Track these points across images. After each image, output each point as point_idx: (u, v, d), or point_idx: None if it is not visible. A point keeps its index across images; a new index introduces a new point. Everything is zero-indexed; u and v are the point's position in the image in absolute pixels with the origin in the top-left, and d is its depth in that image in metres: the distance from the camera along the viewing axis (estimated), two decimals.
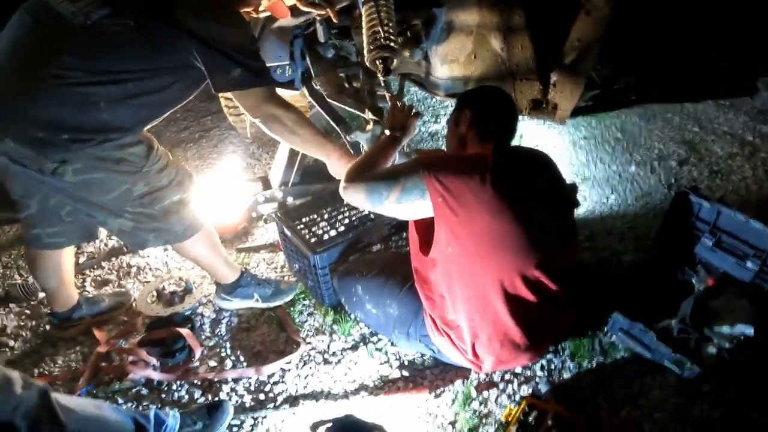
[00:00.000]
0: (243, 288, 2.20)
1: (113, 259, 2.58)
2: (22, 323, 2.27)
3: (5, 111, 1.56)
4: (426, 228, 1.67)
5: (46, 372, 2.04)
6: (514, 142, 1.87)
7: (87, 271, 2.51)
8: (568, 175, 2.91)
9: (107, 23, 1.52)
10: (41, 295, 2.38)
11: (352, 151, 2.16)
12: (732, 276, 2.06)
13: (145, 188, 1.78)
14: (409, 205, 1.60)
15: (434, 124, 3.49)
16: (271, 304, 2.23)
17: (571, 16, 2.02)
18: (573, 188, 2.49)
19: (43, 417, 1.32)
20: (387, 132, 1.86)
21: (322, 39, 2.15)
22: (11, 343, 2.18)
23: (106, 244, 2.68)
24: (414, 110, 1.96)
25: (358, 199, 1.65)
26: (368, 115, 2.09)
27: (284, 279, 2.39)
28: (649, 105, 3.25)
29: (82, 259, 2.59)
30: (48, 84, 1.52)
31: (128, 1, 1.54)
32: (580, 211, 2.65)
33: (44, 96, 1.53)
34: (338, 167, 1.95)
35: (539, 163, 1.79)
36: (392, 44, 1.90)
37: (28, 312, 2.32)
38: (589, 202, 2.73)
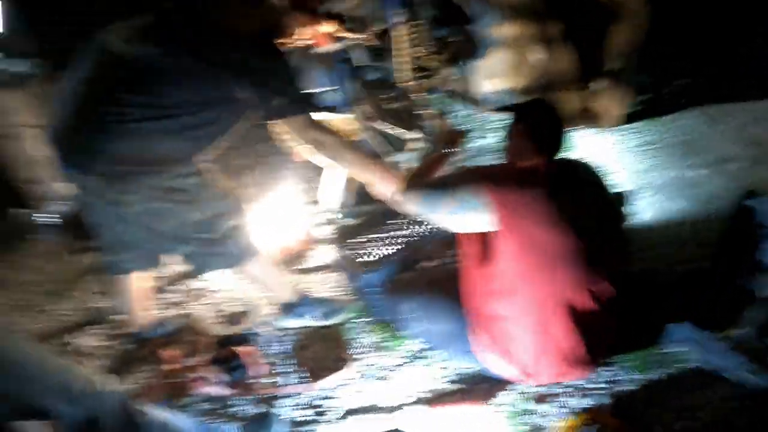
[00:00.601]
0: (300, 307, 2.27)
1: (183, 282, 2.73)
2: (98, 343, 2.44)
3: (74, 146, 1.71)
4: (482, 242, 1.69)
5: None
6: (573, 150, 1.87)
7: (159, 294, 2.67)
8: (624, 183, 2.82)
9: (157, 61, 1.63)
10: (116, 317, 2.55)
11: (398, 172, 2.20)
12: None
13: (203, 216, 1.88)
14: (462, 217, 1.63)
15: (481, 139, 3.49)
16: (328, 323, 2.29)
17: (609, 22, 2.01)
18: (620, 199, 2.43)
19: (122, 417, 1.44)
20: (438, 146, 1.91)
21: (361, 63, 2.23)
22: (88, 362, 2.35)
23: (174, 269, 2.85)
24: (460, 128, 2.01)
25: (414, 207, 1.72)
26: (410, 135, 2.14)
27: (339, 298, 2.44)
28: (711, 106, 3.10)
29: (155, 283, 2.76)
30: (107, 120, 1.64)
31: (175, 38, 1.67)
32: (638, 220, 2.56)
33: (105, 132, 1.65)
34: (384, 189, 1.99)
35: (589, 174, 1.80)
36: (429, 65, 1.95)
37: (104, 333, 2.50)
38: (649, 209, 2.63)
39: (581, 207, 1.64)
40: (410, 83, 1.99)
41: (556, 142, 1.76)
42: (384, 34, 2.25)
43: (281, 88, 1.74)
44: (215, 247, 1.96)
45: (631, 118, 2.21)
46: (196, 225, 1.89)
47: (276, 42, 1.84)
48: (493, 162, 3.18)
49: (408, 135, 2.17)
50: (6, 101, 2.47)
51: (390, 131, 2.28)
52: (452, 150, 1.91)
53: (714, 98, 2.76)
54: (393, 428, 1.66)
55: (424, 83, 1.98)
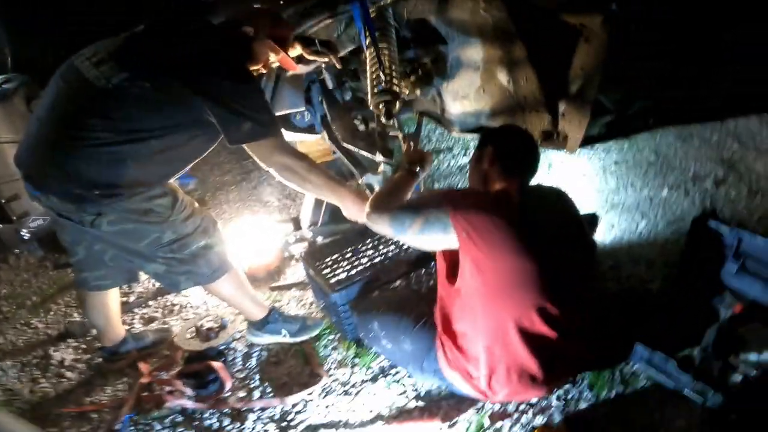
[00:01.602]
0: (271, 324, 2.32)
1: (159, 298, 2.79)
2: (78, 357, 2.50)
3: (46, 170, 1.76)
4: (452, 258, 1.73)
5: (96, 400, 2.23)
6: (543, 172, 1.91)
7: (136, 310, 2.73)
8: (596, 203, 2.87)
9: (127, 86, 1.67)
10: (95, 331, 2.61)
11: (367, 193, 2.25)
12: (760, 302, 1.97)
13: (173, 235, 1.94)
14: (430, 237, 1.67)
15: (463, 157, 3.55)
16: (298, 339, 2.34)
17: (572, 44, 2.05)
18: (593, 220, 2.48)
19: None
20: (406, 167, 1.94)
21: (330, 85, 2.29)
22: (68, 374, 2.41)
23: (153, 285, 2.91)
24: (427, 149, 2.06)
25: (382, 227, 1.74)
26: (379, 157, 2.19)
27: (312, 315, 2.50)
28: (681, 125, 3.15)
29: (132, 299, 2.83)
30: (79, 144, 1.69)
31: (144, 65, 1.71)
32: (606, 239, 2.61)
33: (76, 156, 1.70)
34: (353, 210, 2.00)
35: (559, 200, 1.85)
36: (394, 88, 2.00)
37: (83, 347, 2.56)
38: (617, 229, 2.68)
39: (548, 232, 1.68)
40: (380, 104, 2.02)
41: (528, 168, 1.80)
42: (355, 56, 2.32)
43: (250, 112, 1.76)
44: (187, 265, 2.01)
45: (596, 139, 2.26)
46: (168, 244, 1.95)
47: (247, 66, 1.90)
48: (461, 183, 3.25)
49: (379, 157, 2.22)
50: None
51: (361, 153, 2.33)
52: (420, 170, 1.95)
53: (683, 117, 2.81)
54: None
55: (394, 105, 2.02)
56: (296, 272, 2.81)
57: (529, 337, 1.68)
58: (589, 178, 3.05)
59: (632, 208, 2.76)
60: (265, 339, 2.36)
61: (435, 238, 1.67)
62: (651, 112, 2.45)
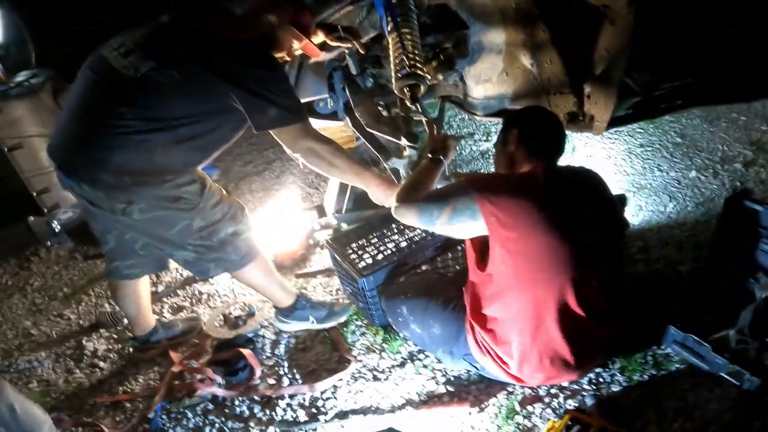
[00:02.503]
0: (299, 311, 2.34)
1: (187, 287, 2.83)
2: (110, 347, 2.55)
3: (78, 159, 1.80)
4: (482, 244, 1.73)
5: (129, 390, 2.28)
6: (568, 155, 1.89)
7: (164, 299, 2.77)
8: (623, 186, 2.84)
9: (154, 75, 1.70)
10: (126, 321, 2.65)
11: (393, 178, 2.25)
12: None
13: (203, 222, 1.96)
14: (460, 225, 1.67)
15: (485, 142, 3.52)
16: (326, 325, 2.36)
17: (596, 27, 2.02)
18: (622, 200, 2.44)
19: None
20: (429, 155, 1.93)
21: (353, 71, 2.29)
22: (101, 364, 2.46)
23: (181, 274, 2.95)
24: (452, 134, 2.04)
25: (410, 219, 1.74)
26: (404, 141, 2.18)
27: (338, 301, 2.51)
28: (708, 107, 3.09)
29: (160, 288, 2.87)
30: (109, 133, 1.73)
31: (171, 53, 1.73)
32: (634, 221, 2.58)
33: (107, 144, 1.74)
34: (379, 194, 2.02)
35: (588, 180, 1.83)
36: (418, 71, 1.98)
37: (115, 337, 2.60)
38: (645, 212, 2.64)
39: (578, 212, 1.66)
40: (405, 88, 2.01)
41: (554, 148, 1.78)
42: (376, 43, 2.31)
43: (276, 98, 1.78)
44: (216, 252, 2.04)
45: (623, 121, 2.22)
46: (198, 231, 1.97)
47: (271, 53, 1.90)
48: (484, 168, 3.23)
49: (404, 141, 2.20)
50: (16, 112, 2.56)
51: (385, 138, 2.32)
52: (443, 157, 1.94)
53: (710, 98, 2.75)
54: (387, 428, 1.70)
55: (412, 91, 2.01)
56: (322, 259, 2.83)
57: (561, 320, 1.67)
58: (615, 161, 3.01)
59: (660, 190, 2.72)
60: (293, 326, 2.38)
61: (464, 225, 1.66)
62: (678, 93, 2.39)
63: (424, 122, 2.19)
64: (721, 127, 3.07)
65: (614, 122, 2.27)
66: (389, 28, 2.08)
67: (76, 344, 2.59)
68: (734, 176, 2.70)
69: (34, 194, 2.65)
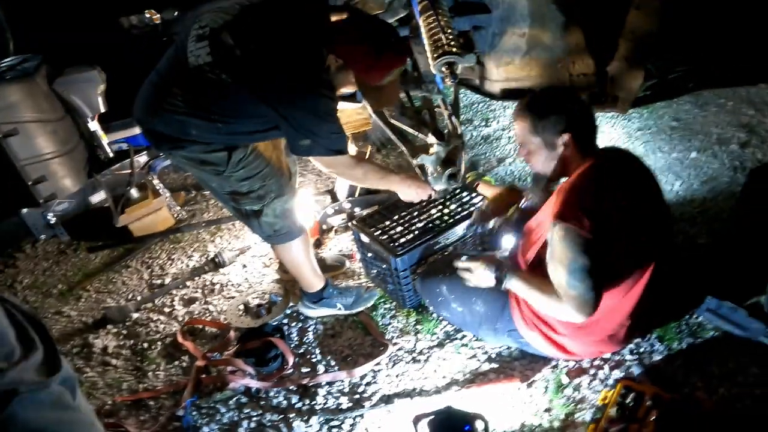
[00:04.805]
0: (326, 298, 2.30)
1: (196, 278, 2.71)
2: (120, 342, 2.42)
3: (141, 117, 1.93)
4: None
5: (150, 387, 2.16)
6: None
7: (174, 291, 2.65)
8: None
9: (207, 70, 1.73)
10: (135, 315, 2.52)
11: (418, 173, 2.25)
12: None
13: (230, 188, 1.99)
14: (600, 270, 1.58)
15: (485, 127, 3.55)
16: (354, 311, 2.32)
17: (623, 10, 2.08)
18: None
19: None
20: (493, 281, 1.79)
21: None
22: (113, 362, 2.32)
23: (187, 265, 2.83)
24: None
25: (574, 317, 1.63)
26: (431, 138, 2.16)
27: (362, 286, 2.46)
28: (700, 92, 3.23)
29: (167, 280, 2.74)
30: (161, 107, 1.83)
31: (229, 57, 1.72)
32: None
33: (158, 115, 1.85)
34: (408, 193, 2.14)
35: (630, 158, 1.83)
36: (455, 49, 1.98)
37: (124, 333, 2.47)
38: None
39: (637, 192, 1.71)
40: (444, 67, 1.98)
41: (596, 135, 1.77)
42: (405, 22, 2.28)
43: (320, 139, 1.81)
44: (245, 219, 2.11)
45: (641, 102, 2.29)
46: (229, 195, 2.02)
47: (323, 85, 1.79)
48: (487, 153, 3.25)
49: (431, 138, 2.17)
50: (11, 97, 2.40)
51: (410, 131, 2.30)
52: (500, 272, 1.77)
53: (708, 83, 2.87)
54: (445, 406, 1.69)
55: (451, 69, 1.99)
56: (337, 244, 2.78)
57: (626, 296, 1.72)
58: (618, 143, 3.09)
59: (665, 170, 2.82)
60: (320, 312, 2.33)
61: (600, 265, 1.58)
62: (692, 76, 2.49)
63: (446, 115, 2.19)
64: (712, 112, 3.21)
65: (634, 103, 2.35)
66: (420, 8, 2.08)
67: (83, 342, 2.45)
68: (732, 156, 2.82)
69: (29, 184, 2.47)
